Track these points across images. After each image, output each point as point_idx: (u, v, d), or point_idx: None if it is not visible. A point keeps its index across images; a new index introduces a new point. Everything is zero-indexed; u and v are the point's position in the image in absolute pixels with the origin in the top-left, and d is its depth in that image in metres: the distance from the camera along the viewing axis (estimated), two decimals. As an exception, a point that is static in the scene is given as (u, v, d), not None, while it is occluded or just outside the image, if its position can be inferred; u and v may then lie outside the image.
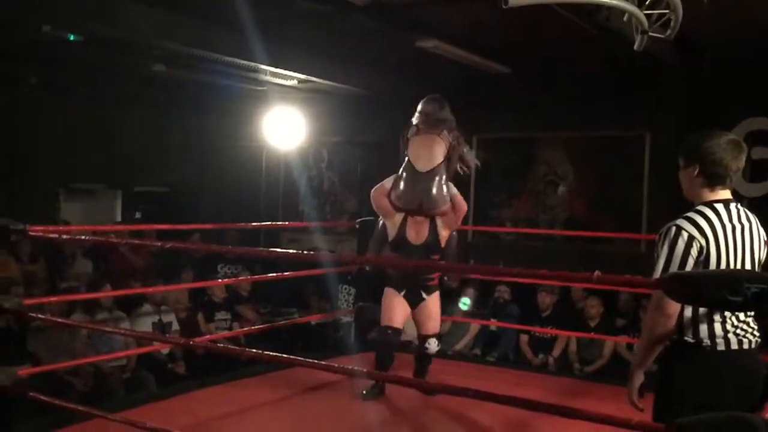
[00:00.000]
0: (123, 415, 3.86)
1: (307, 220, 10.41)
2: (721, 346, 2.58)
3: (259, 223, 8.38)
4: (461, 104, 8.68)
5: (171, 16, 5.85)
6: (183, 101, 9.48)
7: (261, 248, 7.87)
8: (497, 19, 5.02)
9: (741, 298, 2.02)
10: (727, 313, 2.57)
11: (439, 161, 4.64)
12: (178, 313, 6.84)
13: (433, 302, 4.88)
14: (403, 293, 4.80)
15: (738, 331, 2.60)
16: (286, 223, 10.10)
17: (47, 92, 8.87)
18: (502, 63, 6.99)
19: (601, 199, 8.51)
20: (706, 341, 2.58)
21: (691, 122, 6.57)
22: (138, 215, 10.70)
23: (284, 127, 8.72)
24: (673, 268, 2.53)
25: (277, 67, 7.12)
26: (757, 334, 2.66)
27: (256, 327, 6.80)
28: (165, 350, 6.46)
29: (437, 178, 4.62)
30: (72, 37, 5.98)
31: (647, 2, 4.07)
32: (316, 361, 3.41)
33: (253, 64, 6.79)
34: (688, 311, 2.58)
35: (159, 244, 4.51)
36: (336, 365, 4.27)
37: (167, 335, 6.47)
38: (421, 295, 4.81)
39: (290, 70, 7.31)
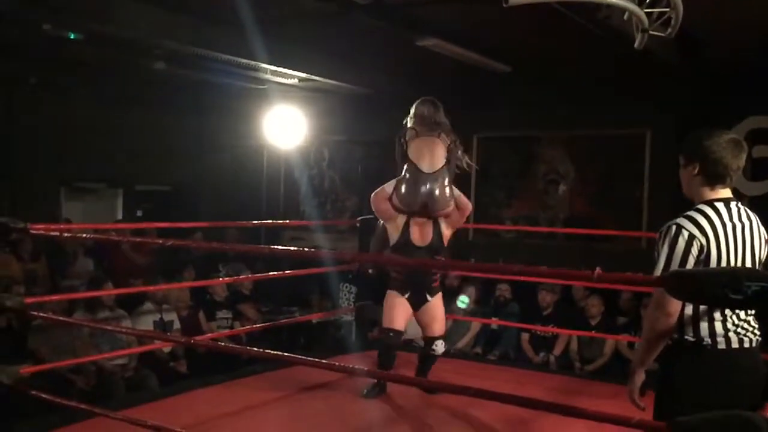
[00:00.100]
0: (125, 413, 3.86)
1: (308, 218, 10.42)
2: (721, 345, 2.58)
3: (260, 222, 8.39)
4: (462, 103, 8.73)
5: (171, 15, 5.86)
6: (184, 100, 9.49)
7: (262, 246, 7.87)
8: (498, 17, 5.01)
9: (742, 297, 2.02)
10: (728, 312, 2.58)
11: (443, 162, 4.63)
12: (179, 312, 6.84)
13: (437, 303, 4.85)
14: (406, 296, 4.77)
15: (738, 329, 2.60)
16: (287, 221, 10.11)
17: (48, 91, 8.88)
18: (502, 62, 6.99)
19: (601, 197, 8.52)
20: (707, 340, 2.58)
21: (692, 121, 6.58)
22: (139, 214, 10.71)
23: (285, 125, 8.73)
24: (674, 266, 2.53)
25: (277, 66, 7.13)
26: (758, 332, 2.66)
27: (258, 326, 6.80)
28: (167, 349, 6.46)
29: (441, 180, 4.61)
30: (72, 36, 5.98)
31: (648, 0, 4.07)
32: (317, 359, 3.40)
33: (253, 62, 6.79)
34: (689, 310, 2.59)
35: (160, 242, 4.51)
36: (337, 364, 4.27)
37: (169, 334, 6.47)
38: (425, 296, 4.79)
39: (291, 69, 7.31)
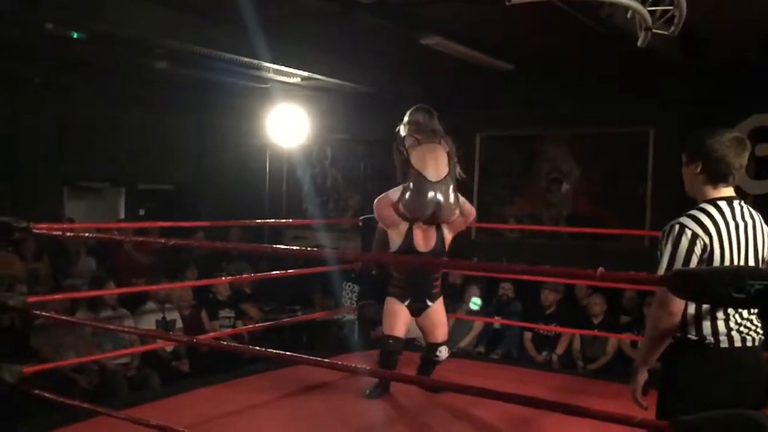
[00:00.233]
0: (127, 412, 3.87)
1: (310, 217, 10.42)
2: (724, 344, 2.58)
3: (262, 221, 8.39)
4: (465, 101, 8.74)
5: (174, 14, 5.87)
6: (186, 99, 9.50)
7: (265, 245, 7.87)
8: (500, 16, 5.01)
9: (745, 295, 2.01)
10: (731, 311, 2.57)
11: (447, 170, 4.59)
12: (182, 311, 6.84)
13: (438, 309, 4.82)
14: (406, 303, 4.73)
15: (741, 328, 2.60)
16: (290, 220, 10.11)
17: (50, 91, 8.89)
18: (505, 60, 6.99)
19: (605, 196, 8.51)
20: (710, 339, 2.58)
21: (695, 119, 6.56)
22: (142, 213, 10.72)
23: (288, 124, 8.73)
24: (677, 266, 2.53)
25: (280, 65, 7.13)
26: (761, 331, 2.66)
27: (260, 325, 6.80)
28: (169, 348, 6.46)
29: (447, 188, 4.57)
30: (75, 35, 5.98)
31: (651, -1, 4.06)
32: (319, 359, 3.40)
33: (256, 61, 6.79)
34: (692, 308, 2.58)
35: (162, 241, 4.50)
36: (340, 363, 4.26)
37: (171, 333, 6.48)
38: (425, 303, 4.76)
39: (293, 68, 7.31)
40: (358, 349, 6.02)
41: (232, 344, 5.98)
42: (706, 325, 2.58)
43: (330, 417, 4.41)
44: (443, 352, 4.81)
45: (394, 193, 4.64)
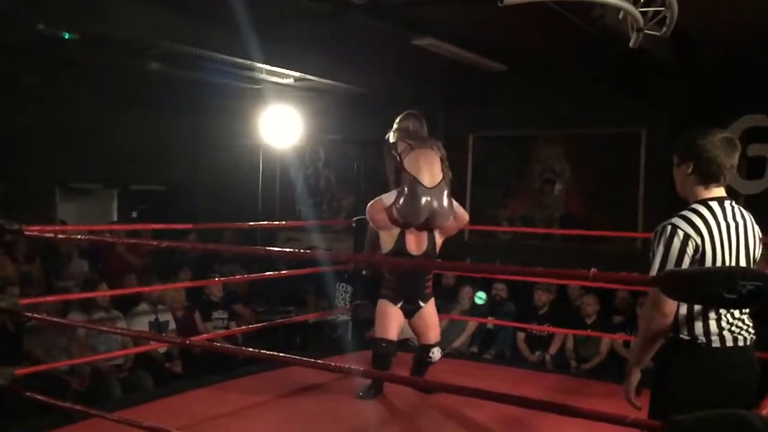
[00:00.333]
0: (120, 414, 3.86)
1: (303, 218, 10.41)
2: (716, 343, 2.59)
3: (255, 223, 8.38)
4: (458, 102, 8.75)
5: (167, 15, 5.85)
6: (179, 100, 9.47)
7: (258, 247, 7.85)
8: (493, 17, 5.01)
9: (736, 296, 2.02)
10: (722, 311, 2.58)
11: (441, 176, 4.59)
12: (175, 312, 6.82)
13: (430, 310, 4.83)
14: (399, 305, 4.74)
15: (733, 328, 2.61)
16: (283, 222, 10.10)
17: (43, 91, 8.85)
18: (498, 61, 6.99)
19: (597, 197, 8.53)
20: (702, 339, 2.59)
21: (687, 119, 6.56)
22: (134, 214, 10.69)
23: (281, 125, 8.71)
24: (669, 266, 2.53)
25: (273, 65, 7.12)
26: (752, 331, 2.67)
27: (253, 326, 6.79)
28: (162, 349, 6.45)
29: (442, 193, 4.57)
30: (67, 36, 5.96)
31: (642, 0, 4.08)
32: (313, 360, 3.40)
33: (249, 62, 6.78)
34: (684, 309, 2.59)
35: (155, 243, 4.50)
36: (333, 364, 4.26)
37: (164, 334, 6.47)
38: (418, 304, 4.77)
39: (286, 68, 7.30)
40: (351, 349, 6.02)
41: (226, 345, 5.97)
42: (698, 325, 2.59)
43: (323, 418, 4.41)
44: (436, 353, 4.82)
45: (388, 198, 4.63)
